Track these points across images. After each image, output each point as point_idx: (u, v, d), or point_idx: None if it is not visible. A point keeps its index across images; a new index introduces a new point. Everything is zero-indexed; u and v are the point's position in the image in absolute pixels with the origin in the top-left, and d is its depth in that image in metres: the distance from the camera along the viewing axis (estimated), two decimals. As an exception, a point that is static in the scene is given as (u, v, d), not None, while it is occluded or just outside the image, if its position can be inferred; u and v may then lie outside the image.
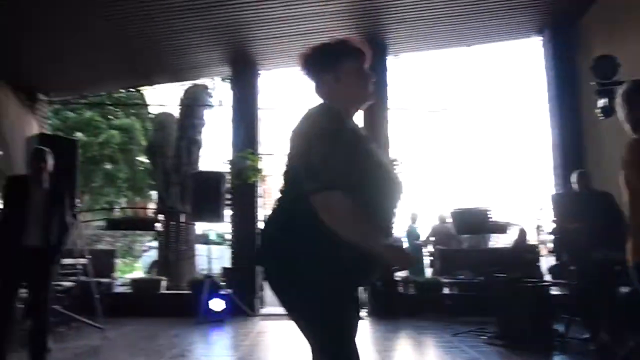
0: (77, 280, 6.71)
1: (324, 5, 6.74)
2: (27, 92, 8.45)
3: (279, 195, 2.04)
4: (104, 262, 7.77)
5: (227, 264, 8.41)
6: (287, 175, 1.99)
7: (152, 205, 16.11)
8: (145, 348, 5.58)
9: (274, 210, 2.01)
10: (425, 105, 24.18)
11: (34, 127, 8.37)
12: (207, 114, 10.62)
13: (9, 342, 4.61)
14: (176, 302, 7.87)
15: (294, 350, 5.21)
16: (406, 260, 1.96)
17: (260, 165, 7.91)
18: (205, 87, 10.01)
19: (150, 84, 9.29)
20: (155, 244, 11.65)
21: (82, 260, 6.59)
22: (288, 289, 1.92)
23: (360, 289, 2.98)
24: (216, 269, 8.39)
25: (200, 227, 10.02)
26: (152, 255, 12.01)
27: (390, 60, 8.34)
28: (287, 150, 1.98)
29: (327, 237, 1.78)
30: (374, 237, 1.83)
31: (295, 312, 1.92)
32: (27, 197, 4.57)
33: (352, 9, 6.94)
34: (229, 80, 9.18)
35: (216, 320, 7.08)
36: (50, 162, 4.68)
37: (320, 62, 2.03)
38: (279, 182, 2.08)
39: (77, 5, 6.07)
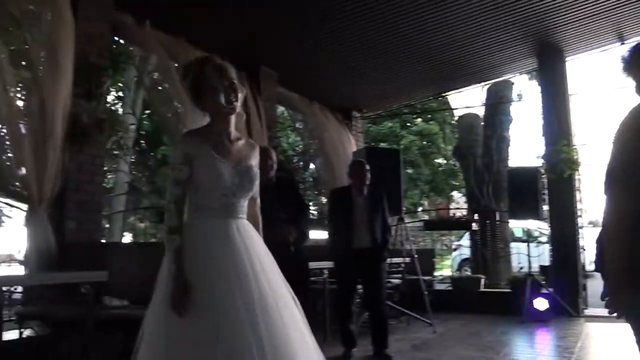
0: (403, 277, 7.20)
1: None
2: (343, 112, 9.46)
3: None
4: (424, 261, 8.12)
5: (545, 262, 8.12)
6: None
7: (453, 206, 16.36)
8: (475, 344, 5.71)
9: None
10: None
11: (351, 142, 9.30)
12: (513, 109, 10.47)
13: (352, 333, 5.23)
14: (496, 300, 7.90)
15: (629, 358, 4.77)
16: None
17: (576, 157, 7.45)
18: (508, 83, 9.84)
19: (454, 88, 9.49)
20: (464, 242, 11.87)
21: (407, 259, 7.04)
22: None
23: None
24: (534, 267, 8.16)
25: (512, 225, 9.90)
26: (462, 253, 12.26)
27: None
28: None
29: None
30: None
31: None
32: (351, 205, 5.09)
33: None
34: (533, 74, 8.89)
35: (540, 320, 6.87)
36: (368, 172, 5.19)
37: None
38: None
39: (383, 26, 6.53)
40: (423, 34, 6.79)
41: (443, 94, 10.19)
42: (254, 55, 7.12)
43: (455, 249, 13.60)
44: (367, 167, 5.33)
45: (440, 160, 17.17)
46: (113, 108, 12.06)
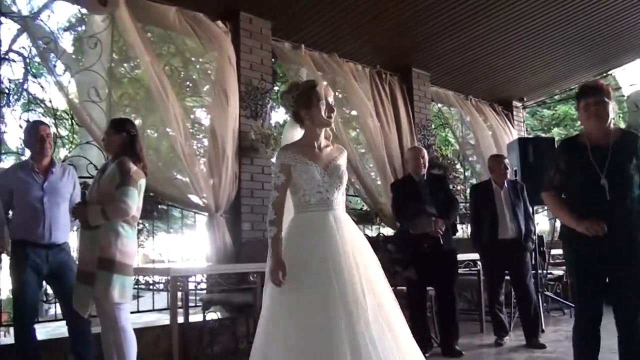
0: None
1: None
2: (503, 103, 9.44)
3: None
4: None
5: None
6: None
7: None
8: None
9: None
10: None
11: (512, 132, 9.25)
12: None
13: (503, 321, 5.48)
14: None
15: None
16: None
17: None
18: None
19: (615, 66, 8.97)
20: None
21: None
22: None
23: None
24: None
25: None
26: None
27: None
28: None
29: None
30: None
31: None
32: (494, 198, 5.34)
33: None
34: None
35: None
36: (507, 165, 5.49)
37: None
38: None
39: (536, 13, 6.52)
40: (579, 13, 6.65)
41: (606, 74, 9.63)
42: (405, 59, 7.56)
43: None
44: (507, 160, 5.52)
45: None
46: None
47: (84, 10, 6.05)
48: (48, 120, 4.98)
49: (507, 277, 5.53)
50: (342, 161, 2.80)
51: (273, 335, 2.48)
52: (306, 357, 2.35)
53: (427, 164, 5.24)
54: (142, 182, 3.57)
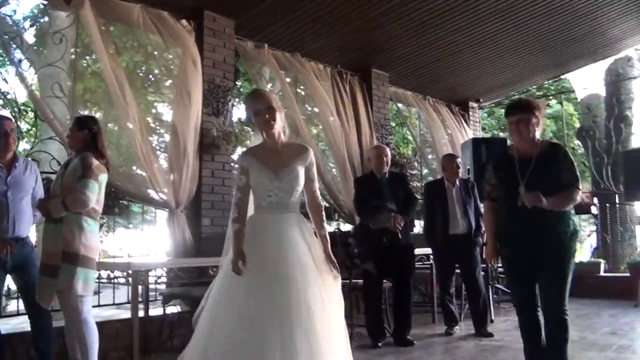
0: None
1: None
2: (459, 104, 9.75)
3: None
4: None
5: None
6: None
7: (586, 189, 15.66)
8: (579, 325, 5.86)
9: None
10: None
11: (468, 132, 9.58)
12: (635, 87, 9.99)
13: (453, 312, 5.79)
14: (615, 284, 7.82)
15: None
16: None
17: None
18: (628, 59, 9.42)
19: (570, 70, 9.34)
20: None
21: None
22: None
23: None
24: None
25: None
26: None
27: None
28: None
29: None
30: None
31: None
32: (446, 196, 5.64)
33: None
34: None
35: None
36: (459, 164, 5.78)
37: None
38: None
39: (495, 18, 6.76)
40: (537, 18, 6.90)
41: (560, 77, 10.05)
42: (365, 60, 7.74)
43: (589, 235, 13.12)
44: (459, 159, 5.81)
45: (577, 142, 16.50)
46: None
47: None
48: (8, 113, 5.00)
49: (458, 271, 5.80)
50: (301, 162, 2.91)
51: (214, 323, 2.69)
52: (240, 350, 2.54)
53: (389, 163, 5.49)
54: (103, 177, 3.68)
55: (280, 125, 2.91)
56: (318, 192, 3.04)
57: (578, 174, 3.26)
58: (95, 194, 3.56)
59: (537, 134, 3.35)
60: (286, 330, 2.52)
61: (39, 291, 3.53)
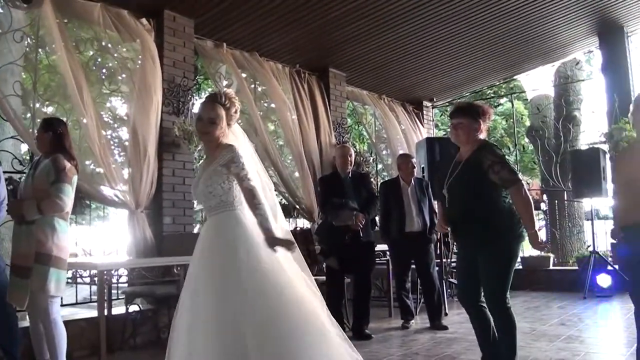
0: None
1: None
2: (414, 103, 10.00)
3: None
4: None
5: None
6: None
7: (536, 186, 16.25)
8: (529, 317, 6.13)
9: None
10: None
11: (422, 130, 9.83)
12: (583, 89, 10.46)
13: (409, 306, 5.95)
14: (563, 277, 8.19)
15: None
16: None
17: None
18: (576, 63, 9.84)
19: (521, 72, 9.69)
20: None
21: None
22: None
23: None
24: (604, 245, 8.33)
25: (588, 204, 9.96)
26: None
27: None
28: None
29: None
30: None
31: None
32: (401, 194, 5.81)
33: None
34: (596, 51, 8.92)
35: (601, 296, 7.16)
36: (414, 163, 5.95)
37: None
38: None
39: (449, 19, 6.95)
40: (490, 22, 7.13)
41: (509, 78, 10.39)
42: (323, 59, 7.88)
43: (539, 229, 13.61)
44: (414, 159, 6.00)
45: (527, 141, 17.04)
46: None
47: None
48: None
49: (413, 266, 6.00)
50: (214, 166, 2.81)
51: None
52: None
53: (353, 162, 5.66)
54: (75, 179, 3.71)
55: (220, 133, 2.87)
56: (247, 182, 2.76)
57: (511, 166, 3.29)
58: (71, 198, 3.63)
59: (482, 137, 3.43)
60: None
61: (11, 292, 3.55)
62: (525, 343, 4.65)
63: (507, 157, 3.37)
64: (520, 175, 3.40)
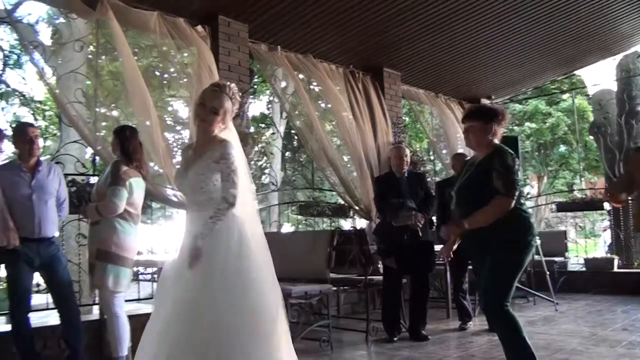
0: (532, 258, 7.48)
1: None
2: (471, 101, 9.83)
3: None
4: (556, 242, 8.21)
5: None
6: None
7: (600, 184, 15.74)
8: (591, 320, 5.96)
9: None
10: None
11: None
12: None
13: (466, 307, 5.87)
14: (629, 280, 7.86)
15: None
16: None
17: None
18: (637, 55, 9.43)
19: (581, 66, 9.39)
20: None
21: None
22: None
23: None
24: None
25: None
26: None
27: None
28: None
29: None
30: None
31: None
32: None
33: None
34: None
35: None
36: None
37: None
38: None
39: (505, 18, 6.88)
40: (547, 16, 6.96)
41: (570, 74, 10.08)
42: (376, 59, 7.85)
43: (604, 230, 13.16)
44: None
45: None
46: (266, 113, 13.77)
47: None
48: (27, 111, 5.16)
49: (470, 267, 5.90)
50: (207, 160, 2.77)
51: None
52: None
53: (409, 162, 5.64)
54: (134, 181, 3.94)
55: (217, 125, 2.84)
56: (228, 183, 2.72)
57: (512, 180, 3.14)
58: (123, 200, 3.83)
59: (495, 141, 3.33)
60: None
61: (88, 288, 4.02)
62: (584, 348, 4.52)
63: (516, 167, 3.20)
64: (519, 189, 3.20)
